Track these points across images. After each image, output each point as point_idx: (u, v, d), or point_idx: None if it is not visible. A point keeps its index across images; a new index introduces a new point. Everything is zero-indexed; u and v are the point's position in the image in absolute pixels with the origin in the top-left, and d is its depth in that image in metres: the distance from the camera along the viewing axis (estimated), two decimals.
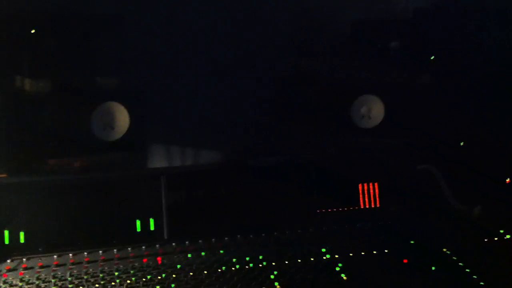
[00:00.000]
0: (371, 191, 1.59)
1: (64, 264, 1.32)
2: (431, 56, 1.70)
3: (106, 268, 1.30)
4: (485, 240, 1.43)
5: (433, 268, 1.30)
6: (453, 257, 1.35)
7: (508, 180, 1.60)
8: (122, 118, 1.53)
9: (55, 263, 1.32)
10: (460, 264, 1.32)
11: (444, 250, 1.38)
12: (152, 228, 1.45)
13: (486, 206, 1.58)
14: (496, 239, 1.43)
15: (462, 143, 1.67)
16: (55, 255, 1.36)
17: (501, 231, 1.46)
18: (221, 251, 1.38)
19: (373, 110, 1.70)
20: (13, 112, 1.48)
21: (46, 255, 1.36)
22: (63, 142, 1.53)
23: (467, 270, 1.29)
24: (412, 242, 1.42)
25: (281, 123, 1.70)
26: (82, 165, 1.54)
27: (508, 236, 1.44)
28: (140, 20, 1.54)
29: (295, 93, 1.70)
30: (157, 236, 1.45)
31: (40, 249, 1.37)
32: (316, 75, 1.72)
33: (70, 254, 1.36)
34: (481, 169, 1.60)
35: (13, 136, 1.48)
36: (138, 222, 1.44)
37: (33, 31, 1.46)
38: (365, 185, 1.59)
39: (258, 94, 1.64)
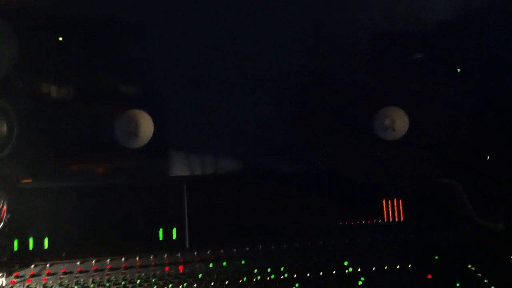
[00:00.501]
0: (395, 204, 1.57)
1: (86, 271, 1.33)
2: (457, 68, 1.68)
3: (128, 275, 1.31)
4: (511, 256, 1.40)
5: (457, 284, 1.28)
6: (478, 274, 1.33)
7: None
8: (146, 126, 1.54)
9: (78, 269, 1.33)
10: (485, 281, 1.30)
11: (469, 266, 1.36)
12: (174, 236, 1.45)
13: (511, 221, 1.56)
14: None
15: (488, 157, 1.64)
16: (78, 261, 1.37)
17: None
18: (243, 261, 1.38)
19: (397, 122, 1.68)
20: (38, 118, 1.49)
21: (69, 261, 1.37)
22: (87, 148, 1.54)
23: (492, 287, 1.27)
24: (436, 257, 1.40)
25: (304, 133, 1.69)
26: (106, 172, 1.55)
27: None
28: (165, 27, 1.55)
29: (318, 104, 1.69)
30: (179, 244, 1.45)
31: (63, 255, 1.38)
32: (339, 85, 1.71)
33: (93, 261, 1.37)
34: (507, 183, 1.57)
35: (38, 142, 1.49)
36: (160, 230, 1.45)
37: (60, 38, 1.47)
38: (389, 198, 1.58)
39: (281, 104, 1.63)
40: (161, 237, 1.44)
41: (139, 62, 1.56)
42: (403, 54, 1.70)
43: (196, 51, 1.56)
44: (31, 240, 1.37)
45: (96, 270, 1.33)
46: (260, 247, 1.46)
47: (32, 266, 1.34)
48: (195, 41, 1.56)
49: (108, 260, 1.37)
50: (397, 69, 1.71)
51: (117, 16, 1.53)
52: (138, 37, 1.56)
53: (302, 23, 1.62)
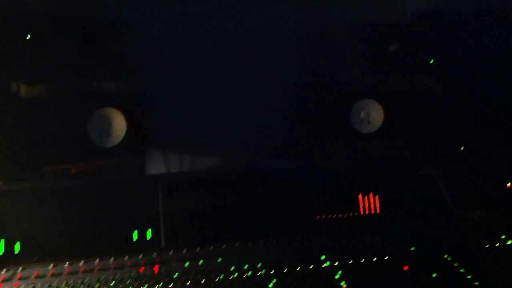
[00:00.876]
0: (371, 196, 1.57)
1: (60, 274, 1.30)
2: (430, 59, 1.69)
3: (103, 277, 1.28)
4: (487, 245, 1.41)
5: (434, 274, 1.28)
6: (455, 264, 1.33)
7: (509, 184, 1.59)
8: (119, 124, 1.52)
9: (50, 273, 1.30)
10: (461, 270, 1.30)
11: (445, 256, 1.36)
12: (149, 236, 1.43)
13: (487, 211, 1.57)
14: (497, 244, 1.42)
15: (462, 148, 1.65)
16: (51, 265, 1.34)
17: (503, 237, 1.44)
18: (219, 259, 1.37)
19: (372, 115, 1.69)
20: (9, 117, 1.47)
21: (42, 264, 1.34)
22: (60, 148, 1.51)
23: (468, 276, 1.28)
24: (412, 248, 1.40)
25: (279, 128, 1.69)
26: (79, 172, 1.53)
27: (510, 242, 1.43)
28: (137, 24, 1.53)
29: (293, 97, 1.69)
30: (154, 244, 1.43)
31: (35, 259, 1.35)
32: (314, 79, 1.70)
33: (66, 264, 1.35)
34: (482, 173, 1.58)
35: (9, 142, 1.46)
36: (135, 231, 1.43)
37: (28, 36, 1.45)
38: (365, 190, 1.57)
39: (255, 99, 1.63)
40: (136, 237, 1.43)
41: (111, 60, 1.55)
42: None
43: (170, 47, 1.55)
44: (1, 244, 1.34)
45: (69, 273, 1.30)
46: (237, 244, 1.45)
47: (4, 271, 1.31)
48: (169, 37, 1.54)
49: (81, 263, 1.35)
50: (372, 62, 1.72)
51: (89, 13, 1.51)
52: (111, 34, 1.54)
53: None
